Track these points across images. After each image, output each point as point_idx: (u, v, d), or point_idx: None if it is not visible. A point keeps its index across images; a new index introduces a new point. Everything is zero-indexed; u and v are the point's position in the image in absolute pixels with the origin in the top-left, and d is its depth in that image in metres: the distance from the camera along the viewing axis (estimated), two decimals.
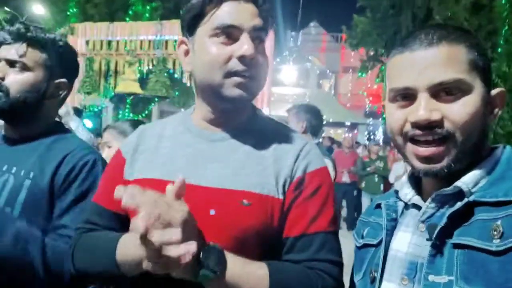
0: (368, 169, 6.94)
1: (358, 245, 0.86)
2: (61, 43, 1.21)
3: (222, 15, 0.84)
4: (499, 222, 0.61)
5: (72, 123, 3.60)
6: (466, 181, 0.69)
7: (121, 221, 0.92)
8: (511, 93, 9.19)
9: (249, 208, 0.83)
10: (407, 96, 0.72)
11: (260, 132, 0.94)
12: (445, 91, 0.69)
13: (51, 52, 1.18)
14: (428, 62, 0.69)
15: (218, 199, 0.84)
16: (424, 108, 0.68)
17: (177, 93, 9.35)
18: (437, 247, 0.67)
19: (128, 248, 0.79)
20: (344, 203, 7.47)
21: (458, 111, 0.68)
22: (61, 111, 4.22)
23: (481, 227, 0.63)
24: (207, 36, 0.86)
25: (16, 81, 1.12)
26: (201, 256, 0.71)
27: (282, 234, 0.86)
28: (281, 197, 0.86)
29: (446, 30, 0.72)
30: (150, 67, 7.62)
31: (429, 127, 0.68)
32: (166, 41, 7.65)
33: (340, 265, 0.86)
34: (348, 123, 19.90)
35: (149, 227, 0.63)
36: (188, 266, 0.69)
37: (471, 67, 0.69)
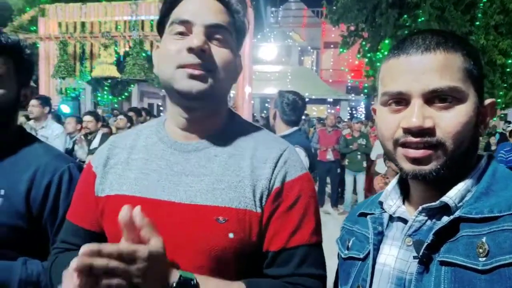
0: (351, 146, 7.00)
1: (343, 256, 0.84)
2: (28, 50, 1.12)
3: (179, 11, 0.83)
4: (484, 239, 0.60)
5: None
6: (452, 196, 0.67)
7: (96, 239, 0.86)
8: (489, 66, 9.27)
9: (225, 225, 0.78)
10: (400, 101, 0.70)
11: (236, 139, 0.89)
12: (439, 98, 0.67)
13: (19, 59, 1.09)
14: (424, 68, 0.67)
15: (192, 217, 0.79)
16: (417, 115, 0.66)
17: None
18: (424, 264, 0.66)
19: None
20: (328, 180, 7.56)
21: (451, 121, 0.66)
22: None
23: (467, 244, 0.62)
24: (167, 33, 0.84)
25: None
26: None
27: (262, 248, 0.82)
28: (259, 210, 0.81)
29: (443, 37, 0.69)
30: (127, 49, 7.38)
31: (420, 133, 0.67)
32: (142, 22, 7.41)
33: (322, 278, 0.83)
34: (330, 100, 19.96)
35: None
36: None
37: (466, 76, 0.67)
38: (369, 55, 11.51)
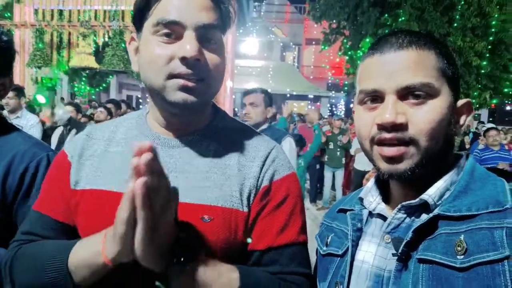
0: (341, 140, 6.94)
1: (322, 252, 0.85)
2: (4, 37, 1.08)
3: (164, 8, 0.75)
4: (462, 237, 0.62)
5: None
6: (431, 194, 0.69)
7: (68, 232, 0.83)
8: (465, 67, 9.50)
9: (210, 224, 0.77)
10: (376, 98, 0.71)
11: (223, 137, 0.86)
12: (412, 95, 0.68)
13: None
14: (397, 65, 0.69)
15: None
16: (390, 111, 0.68)
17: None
18: (403, 261, 0.67)
19: (85, 250, 0.71)
20: (307, 175, 7.62)
21: (423, 117, 0.67)
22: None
23: (445, 242, 0.63)
24: (150, 33, 0.77)
25: None
26: (174, 247, 0.66)
27: (247, 247, 0.81)
28: (245, 209, 0.80)
29: (416, 35, 0.71)
30: (106, 39, 7.22)
31: (394, 129, 0.68)
32: (123, 12, 7.25)
33: (310, 277, 0.83)
34: (311, 96, 20.08)
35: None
36: (162, 249, 0.64)
37: (439, 74, 0.69)
38: (350, 53, 11.62)
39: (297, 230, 0.83)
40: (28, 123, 4.49)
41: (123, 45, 7.04)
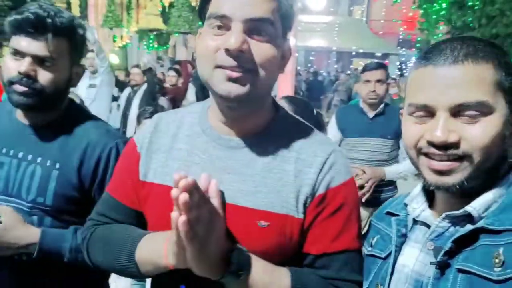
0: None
1: (366, 252, 0.87)
2: (80, 30, 1.16)
3: (218, 2, 0.78)
4: (500, 250, 0.61)
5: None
6: (476, 206, 0.68)
7: (137, 217, 0.91)
8: None
9: (266, 229, 0.78)
10: (426, 112, 0.69)
11: (282, 139, 0.86)
12: (465, 112, 0.66)
13: (73, 40, 1.14)
14: (451, 81, 0.66)
15: (233, 217, 0.78)
16: (442, 129, 0.66)
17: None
18: (442, 269, 0.68)
19: (150, 248, 0.79)
20: None
21: (478, 134, 0.65)
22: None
23: (484, 253, 0.63)
24: (206, 26, 0.80)
25: (48, 79, 1.09)
26: (229, 255, 0.72)
27: (300, 250, 0.83)
28: (300, 216, 0.81)
29: (473, 46, 0.67)
30: (172, 0, 7.37)
31: (445, 147, 0.66)
32: None
33: (360, 284, 0.83)
34: (379, 54, 18.94)
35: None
36: (214, 264, 0.72)
37: (496, 88, 0.66)
38: (425, 6, 10.65)
39: (351, 237, 0.83)
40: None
41: (188, 5, 7.14)
